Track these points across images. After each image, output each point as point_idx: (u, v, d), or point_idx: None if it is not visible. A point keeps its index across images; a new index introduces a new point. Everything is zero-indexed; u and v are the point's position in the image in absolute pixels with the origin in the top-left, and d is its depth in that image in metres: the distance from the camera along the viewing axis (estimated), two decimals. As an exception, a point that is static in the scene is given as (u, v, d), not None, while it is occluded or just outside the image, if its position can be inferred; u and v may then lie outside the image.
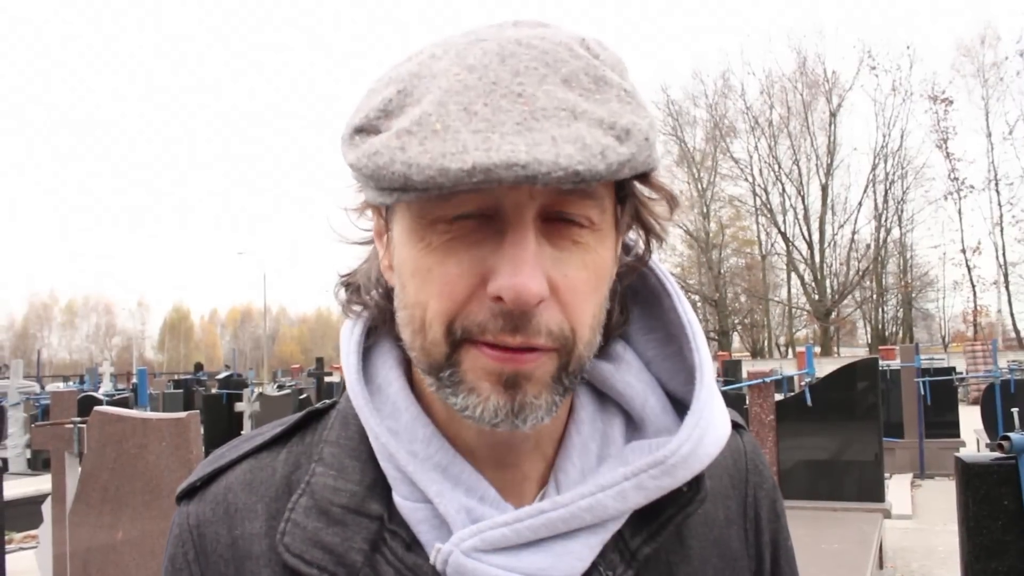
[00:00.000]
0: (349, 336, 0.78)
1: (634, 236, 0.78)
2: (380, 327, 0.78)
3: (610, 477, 0.69)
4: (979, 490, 2.56)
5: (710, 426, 0.71)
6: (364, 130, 0.63)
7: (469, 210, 0.63)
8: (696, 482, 0.74)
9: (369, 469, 0.73)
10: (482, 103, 0.59)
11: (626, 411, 0.78)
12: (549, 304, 0.63)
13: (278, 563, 0.72)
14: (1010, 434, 2.54)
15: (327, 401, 0.83)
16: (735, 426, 0.87)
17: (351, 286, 0.80)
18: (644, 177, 0.68)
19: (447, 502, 0.69)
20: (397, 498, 0.71)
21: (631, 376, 0.78)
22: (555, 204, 0.63)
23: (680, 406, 0.78)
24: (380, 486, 0.73)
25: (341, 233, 0.78)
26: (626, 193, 0.71)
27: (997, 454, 2.56)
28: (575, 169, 0.57)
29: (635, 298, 0.82)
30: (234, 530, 0.75)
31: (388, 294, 0.74)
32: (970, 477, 2.57)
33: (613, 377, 0.77)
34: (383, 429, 0.72)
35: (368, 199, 0.68)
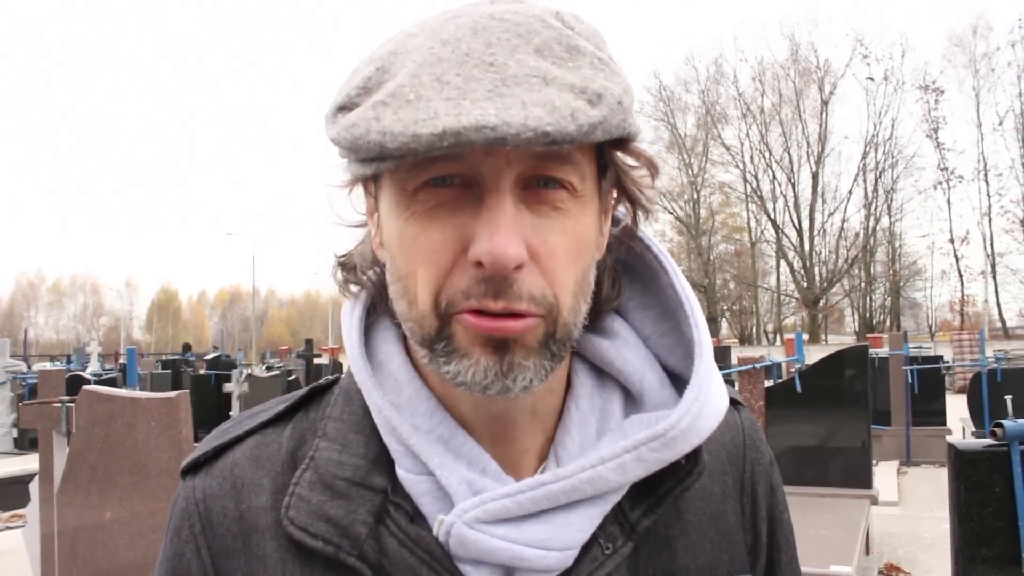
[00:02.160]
0: (350, 315, 0.79)
1: (623, 211, 0.79)
2: (379, 305, 0.79)
3: (610, 450, 0.70)
4: (971, 477, 2.57)
5: (709, 400, 0.72)
6: (345, 107, 0.65)
7: (448, 175, 0.64)
8: (694, 455, 0.75)
9: (373, 443, 0.74)
10: (454, 73, 0.61)
11: (624, 387, 0.79)
12: (530, 269, 0.64)
13: (283, 536, 0.73)
14: (1003, 421, 2.54)
15: (329, 378, 0.84)
16: (733, 403, 0.88)
17: (347, 267, 0.81)
18: (622, 144, 0.70)
19: (449, 474, 0.70)
20: (400, 471, 0.72)
21: (628, 352, 0.79)
22: (534, 169, 0.65)
23: (678, 381, 0.79)
24: (383, 460, 0.73)
25: (338, 215, 0.80)
26: (606, 161, 0.71)
27: (990, 441, 2.57)
28: (544, 130, 0.58)
29: (632, 275, 0.82)
30: (241, 504, 0.76)
31: (383, 273, 0.75)
32: (962, 464, 2.58)
33: (610, 353, 0.78)
34: (386, 403, 0.73)
35: (352, 174, 0.69)
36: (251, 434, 0.80)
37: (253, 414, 0.83)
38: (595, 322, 0.79)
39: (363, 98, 0.64)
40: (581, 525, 0.70)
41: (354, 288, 0.81)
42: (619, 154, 0.72)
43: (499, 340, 0.65)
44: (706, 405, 0.71)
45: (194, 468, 0.80)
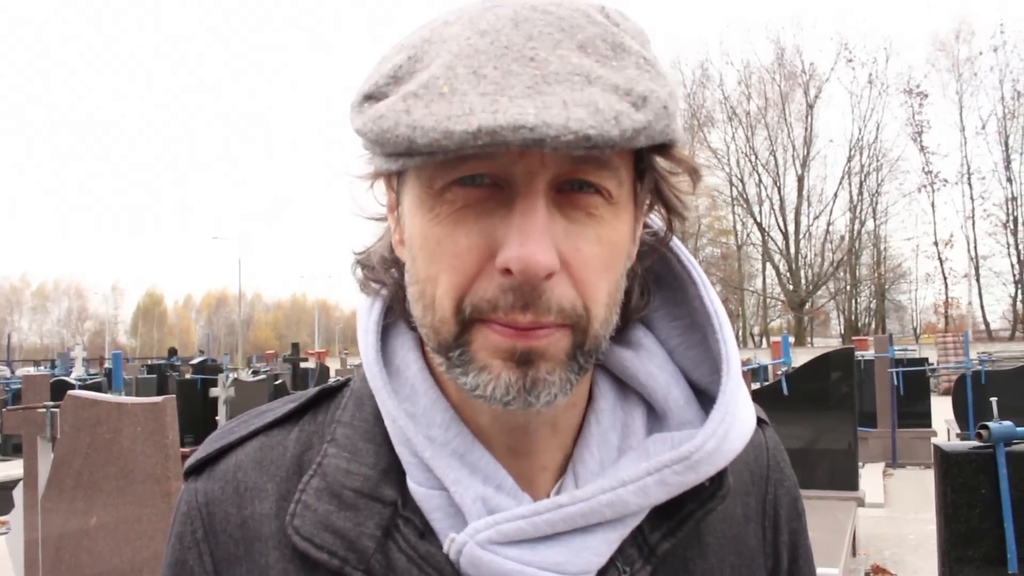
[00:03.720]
0: (367, 316, 0.76)
1: (655, 216, 0.76)
2: (397, 306, 0.76)
3: (632, 472, 0.67)
4: (957, 478, 2.58)
5: (736, 421, 0.69)
6: (373, 97, 0.62)
7: (478, 174, 0.61)
8: (719, 478, 0.71)
9: (384, 453, 0.71)
10: (492, 66, 0.57)
11: (648, 401, 0.76)
12: (560, 279, 0.61)
13: (287, 546, 0.70)
14: (989, 423, 2.56)
15: (340, 379, 0.81)
16: (758, 421, 0.83)
17: (366, 264, 0.77)
18: (664, 149, 0.65)
19: (464, 490, 0.67)
20: (411, 484, 0.69)
21: (653, 365, 0.75)
22: (569, 173, 0.61)
23: (703, 397, 0.76)
24: (394, 471, 0.70)
25: (359, 207, 0.77)
26: (645, 166, 0.68)
27: (975, 443, 2.59)
28: (586, 133, 0.54)
29: (659, 284, 0.79)
30: (244, 510, 0.73)
31: (403, 272, 0.72)
32: (949, 465, 2.59)
33: (635, 366, 0.75)
34: (401, 412, 0.69)
35: (376, 168, 0.66)
36: (255, 435, 0.77)
37: (259, 413, 0.80)
38: (620, 332, 0.75)
39: (393, 88, 0.60)
40: (598, 549, 0.67)
41: (375, 286, 0.77)
42: (659, 159, 0.68)
43: (523, 352, 0.61)
44: (733, 426, 0.68)
45: (197, 469, 0.77)
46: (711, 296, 0.75)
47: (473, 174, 0.61)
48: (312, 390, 0.80)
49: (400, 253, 0.71)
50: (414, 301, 0.67)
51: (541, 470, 0.72)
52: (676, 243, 0.77)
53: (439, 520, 0.68)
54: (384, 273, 0.76)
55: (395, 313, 0.76)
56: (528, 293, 0.60)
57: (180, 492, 0.78)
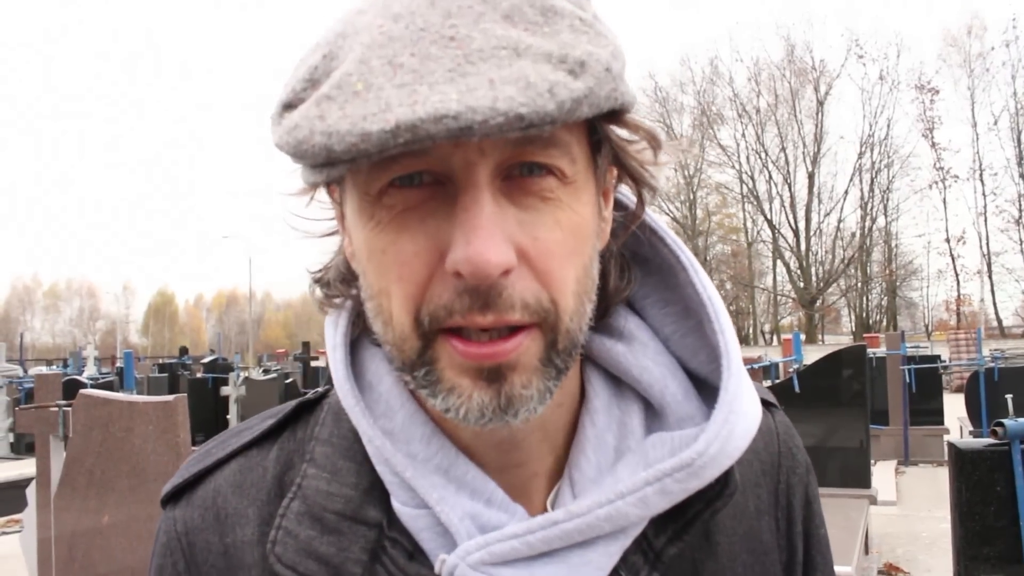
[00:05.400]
0: (333, 330, 0.72)
1: (625, 190, 0.71)
2: (361, 320, 0.71)
3: (630, 482, 0.63)
4: (972, 476, 2.56)
5: (740, 417, 0.64)
6: (291, 105, 0.57)
7: (414, 172, 0.56)
8: (725, 476, 0.67)
9: (365, 472, 0.68)
10: (408, 53, 0.52)
11: (644, 397, 0.71)
12: (520, 273, 0.56)
13: (270, 573, 0.66)
14: (1004, 420, 2.54)
15: (319, 390, 0.77)
16: (766, 404, 0.79)
17: (324, 283, 0.73)
18: (615, 116, 0.60)
19: (450, 509, 0.63)
20: (396, 504, 0.65)
21: (647, 359, 0.70)
22: (514, 157, 0.56)
23: (703, 385, 0.72)
24: (378, 489, 0.67)
25: (305, 228, 0.71)
26: (600, 137, 0.62)
27: (990, 440, 2.57)
28: (518, 112, 0.50)
29: (648, 269, 0.74)
30: (225, 537, 0.70)
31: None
32: (963, 463, 2.58)
33: (628, 360, 0.70)
34: (376, 432, 0.65)
35: (304, 181, 0.61)
36: (234, 456, 0.73)
37: (237, 432, 0.76)
38: (606, 320, 0.71)
39: (309, 92, 0.56)
40: (600, 563, 0.63)
41: (337, 300, 0.72)
42: (614, 128, 0.62)
43: (492, 368, 0.57)
44: (737, 424, 0.64)
45: (174, 497, 0.73)
46: (704, 282, 0.70)
47: (410, 173, 0.56)
48: (290, 404, 0.76)
49: (355, 267, 0.66)
50: (373, 317, 0.62)
51: (533, 477, 0.68)
52: (663, 227, 0.73)
53: (428, 540, 0.64)
54: (344, 289, 0.71)
55: (361, 326, 0.71)
56: (485, 293, 0.55)
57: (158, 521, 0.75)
